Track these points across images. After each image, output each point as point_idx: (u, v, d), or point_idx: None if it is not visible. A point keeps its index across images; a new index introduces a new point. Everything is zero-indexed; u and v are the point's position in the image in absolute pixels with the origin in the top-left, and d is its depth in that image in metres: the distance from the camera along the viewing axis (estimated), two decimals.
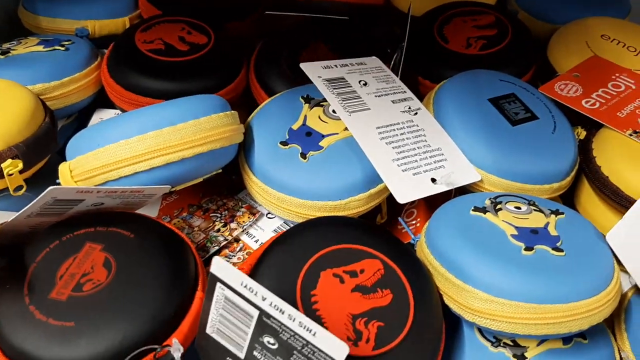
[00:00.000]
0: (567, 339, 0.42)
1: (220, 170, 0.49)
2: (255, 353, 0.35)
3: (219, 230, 0.49)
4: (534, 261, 0.40)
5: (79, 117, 0.63)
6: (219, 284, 0.33)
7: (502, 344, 0.42)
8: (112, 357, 0.35)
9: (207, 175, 0.47)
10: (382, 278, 0.40)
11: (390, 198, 0.47)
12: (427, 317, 0.39)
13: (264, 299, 0.32)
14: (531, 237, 0.42)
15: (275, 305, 0.32)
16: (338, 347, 0.30)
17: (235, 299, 0.33)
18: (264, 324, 0.33)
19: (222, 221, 0.50)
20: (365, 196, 0.46)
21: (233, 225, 0.50)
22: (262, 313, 0.33)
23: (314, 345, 0.31)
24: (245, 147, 0.49)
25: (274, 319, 0.32)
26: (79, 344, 0.35)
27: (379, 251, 0.41)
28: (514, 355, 0.41)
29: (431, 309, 0.40)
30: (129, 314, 0.36)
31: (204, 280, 0.41)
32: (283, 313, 0.32)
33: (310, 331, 0.31)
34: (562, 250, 0.41)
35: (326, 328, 0.37)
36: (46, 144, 0.48)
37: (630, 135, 0.51)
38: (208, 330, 0.37)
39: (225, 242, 0.48)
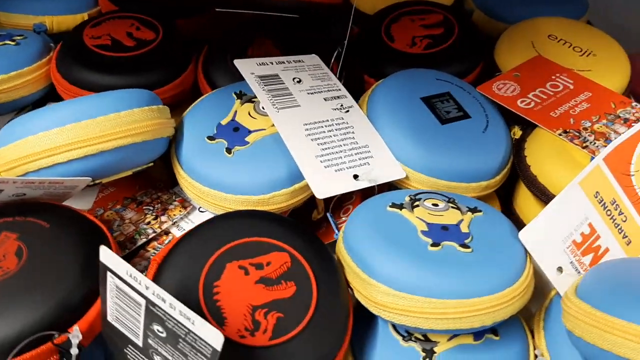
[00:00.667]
0: (477, 334, 0.43)
1: (152, 164, 0.50)
2: (149, 341, 0.36)
3: (149, 222, 0.50)
4: (439, 257, 0.40)
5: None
6: (109, 273, 0.34)
7: (413, 339, 0.43)
8: (12, 343, 0.36)
9: (136, 168, 0.48)
10: (287, 271, 0.40)
11: None
12: (330, 310, 0.40)
13: (147, 288, 0.33)
14: (441, 233, 0.42)
15: (157, 294, 0.33)
16: (214, 335, 0.31)
17: (124, 288, 0.34)
18: (152, 313, 0.34)
19: (154, 214, 0.51)
20: (289, 191, 0.47)
21: (164, 218, 0.51)
22: (148, 302, 0.33)
23: (194, 333, 0.32)
24: (175, 142, 0.50)
25: (159, 307, 0.33)
26: None
27: (289, 245, 0.41)
28: (424, 350, 0.42)
29: (335, 302, 0.40)
30: (34, 301, 0.37)
31: None
32: (165, 302, 0.32)
33: (189, 319, 0.32)
34: (469, 247, 0.41)
35: (224, 318, 0.38)
36: None
37: (560, 134, 0.51)
38: (109, 319, 0.38)
39: (154, 234, 0.49)
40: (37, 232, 0.41)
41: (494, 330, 0.43)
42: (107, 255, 0.33)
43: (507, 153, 0.52)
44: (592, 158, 0.49)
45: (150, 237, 0.49)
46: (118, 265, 0.33)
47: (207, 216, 0.51)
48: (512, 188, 0.56)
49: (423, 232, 0.42)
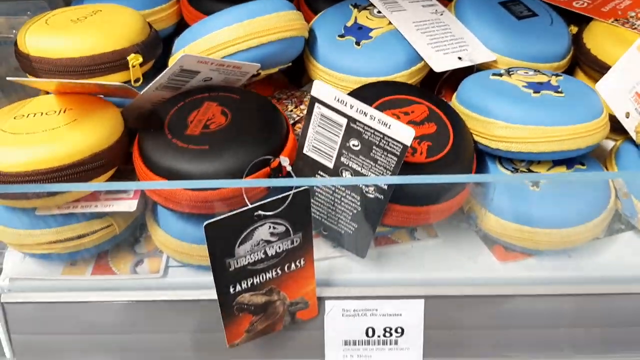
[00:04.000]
0: (569, 165, 0.56)
1: (290, 64, 0.62)
2: (342, 159, 0.48)
3: (291, 110, 0.63)
4: (541, 99, 0.54)
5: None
6: (316, 104, 0.47)
7: (519, 172, 0.55)
8: (240, 169, 0.48)
9: (282, 65, 0.61)
10: (427, 116, 0.53)
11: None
12: (463, 142, 0.52)
13: (351, 107, 0.45)
14: (537, 86, 0.55)
15: (360, 110, 0.45)
16: (407, 133, 0.44)
17: (328, 113, 0.47)
18: (351, 129, 0.46)
19: (294, 104, 0.64)
20: (407, 73, 0.60)
21: (302, 107, 0.63)
22: (350, 119, 0.46)
23: (388, 136, 0.45)
24: (309, 43, 0.63)
25: (359, 122, 0.46)
26: (214, 161, 0.49)
27: (424, 100, 0.54)
28: (532, 182, 0.55)
29: (465, 137, 0.53)
30: (249, 141, 0.50)
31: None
32: (366, 115, 0.45)
33: (386, 125, 0.44)
34: (562, 93, 0.54)
35: None
36: (155, 46, 0.61)
37: (612, 22, 0.64)
38: (305, 150, 0.50)
39: (298, 118, 0.62)
40: (232, 101, 0.54)
41: (581, 162, 0.56)
42: (318, 86, 0.46)
43: (570, 42, 0.65)
44: None
45: (295, 120, 0.62)
46: (328, 93, 0.46)
47: None
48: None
49: (523, 86, 0.55)
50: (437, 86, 0.64)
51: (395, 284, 0.55)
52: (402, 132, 0.44)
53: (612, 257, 0.57)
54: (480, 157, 0.57)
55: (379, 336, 0.56)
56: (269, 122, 0.52)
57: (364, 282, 0.55)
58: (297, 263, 0.50)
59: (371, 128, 0.45)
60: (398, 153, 0.45)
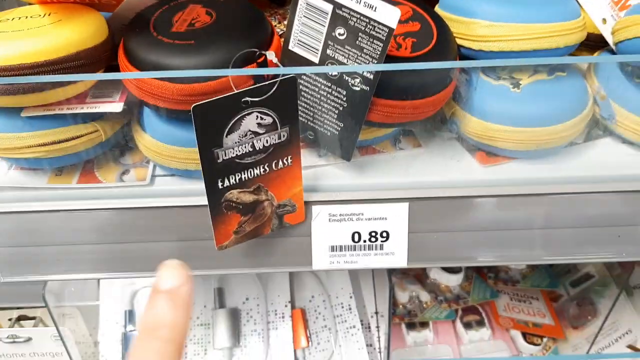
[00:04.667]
0: (550, 71, 0.57)
1: None
2: (328, 51, 0.49)
3: (275, 26, 0.63)
4: None
5: None
6: None
7: (502, 78, 0.56)
8: (226, 62, 0.48)
9: None
10: (411, 16, 0.54)
11: None
12: (446, 40, 0.53)
13: None
14: None
15: None
16: (392, 13, 0.44)
17: (314, 1, 0.47)
18: (337, 16, 0.47)
19: (277, 20, 0.64)
20: None
21: (285, 22, 0.63)
22: (335, 5, 0.46)
23: (374, 20, 0.45)
24: None
25: (345, 7, 0.46)
26: (201, 55, 0.49)
27: (408, 1, 0.55)
28: (511, 84, 0.56)
29: (448, 36, 0.54)
30: (234, 37, 0.50)
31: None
32: None
33: (372, 7, 0.45)
34: None
35: None
36: None
37: None
38: (290, 46, 0.50)
39: (281, 32, 0.62)
40: (216, 3, 0.54)
41: (562, 68, 0.57)
42: None
43: None
44: None
45: (280, 35, 0.62)
46: None
47: None
48: None
49: None
50: None
51: (379, 189, 0.55)
52: (388, 13, 0.44)
53: (589, 160, 0.58)
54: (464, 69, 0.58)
55: (364, 241, 0.56)
56: (254, 22, 0.52)
57: (350, 187, 0.56)
58: (285, 160, 0.50)
59: (357, 12, 0.46)
60: (384, 38, 0.46)
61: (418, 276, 0.90)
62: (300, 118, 0.53)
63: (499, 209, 0.56)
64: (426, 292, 0.87)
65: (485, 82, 0.56)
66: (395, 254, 0.57)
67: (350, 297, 0.85)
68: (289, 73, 0.45)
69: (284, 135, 0.48)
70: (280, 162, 0.50)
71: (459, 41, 0.56)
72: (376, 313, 0.87)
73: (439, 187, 0.56)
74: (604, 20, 0.59)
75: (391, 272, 0.83)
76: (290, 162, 0.50)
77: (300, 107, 0.52)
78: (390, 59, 0.50)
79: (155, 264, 0.59)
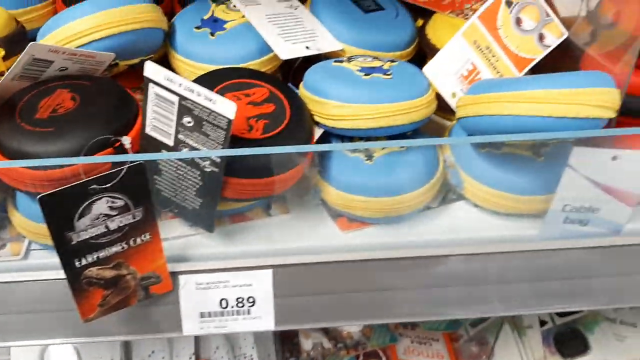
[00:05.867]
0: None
1: (153, 55, 0.66)
2: (180, 136, 0.52)
3: None
4: (370, 81, 0.59)
5: None
6: (150, 84, 0.50)
7: (357, 151, 0.60)
8: (82, 148, 0.51)
9: (143, 56, 0.64)
10: (267, 98, 0.58)
11: None
12: (299, 121, 0.57)
13: (180, 85, 0.49)
14: (369, 70, 0.61)
15: (187, 87, 0.49)
16: (229, 107, 0.48)
17: (161, 92, 0.50)
18: (183, 107, 0.50)
19: None
20: (259, 61, 0.64)
21: None
22: (180, 97, 0.50)
23: (214, 111, 0.49)
24: (169, 35, 0.67)
25: (188, 99, 0.49)
26: (58, 142, 0.52)
27: (267, 84, 0.59)
28: (365, 156, 0.60)
29: (302, 117, 0.58)
30: (93, 122, 0.53)
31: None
32: (193, 92, 0.49)
33: (211, 100, 0.49)
34: (390, 75, 0.60)
35: None
36: (20, 41, 0.63)
37: (449, 14, 0.71)
38: (147, 130, 0.54)
39: None
40: (83, 88, 0.57)
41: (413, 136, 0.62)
42: (149, 67, 0.50)
43: (413, 33, 0.71)
44: None
45: None
46: (158, 73, 0.49)
47: None
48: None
49: (357, 70, 0.61)
50: (291, 74, 0.69)
51: (244, 257, 0.59)
52: (226, 107, 0.48)
53: (442, 224, 0.63)
54: (327, 138, 0.62)
55: (232, 307, 0.59)
56: (117, 106, 0.55)
57: (216, 256, 0.59)
58: (142, 238, 0.53)
59: (199, 104, 0.49)
60: (225, 127, 0.49)
61: None
62: (164, 194, 0.56)
63: (356, 273, 0.60)
64: (328, 340, 0.90)
65: (342, 154, 0.60)
66: (263, 318, 0.61)
67: (252, 348, 0.88)
68: (136, 160, 0.49)
69: (138, 215, 0.51)
70: (138, 239, 0.53)
71: (317, 118, 0.60)
72: None
73: (301, 254, 0.59)
74: (454, 94, 0.64)
75: None
76: (149, 238, 0.53)
77: (161, 185, 0.55)
78: (241, 141, 0.54)
79: (36, 333, 0.62)
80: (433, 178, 0.60)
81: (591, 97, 0.52)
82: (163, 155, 0.52)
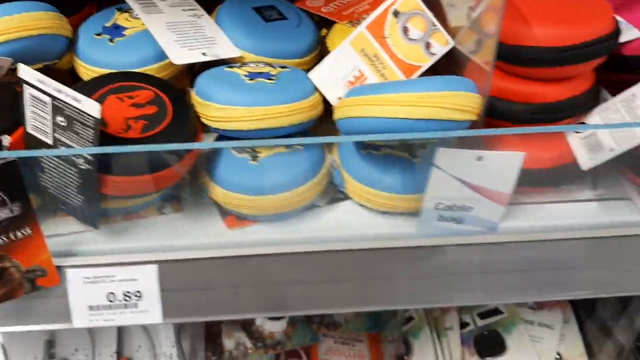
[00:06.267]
0: (288, 145, 0.64)
1: (57, 61, 0.69)
2: (56, 135, 0.55)
3: None
4: (253, 85, 0.62)
5: None
6: (25, 85, 0.53)
7: (245, 151, 0.63)
8: None
9: (46, 62, 0.67)
10: (151, 100, 0.61)
11: None
12: (180, 123, 0.60)
13: (50, 86, 0.52)
14: (255, 74, 0.64)
15: (56, 88, 0.52)
16: (93, 106, 0.51)
17: (35, 93, 0.53)
18: (55, 107, 0.53)
19: None
20: (156, 67, 0.67)
21: None
22: (52, 97, 0.53)
23: (81, 111, 0.52)
24: (73, 42, 0.70)
25: (58, 99, 0.52)
26: None
27: (153, 87, 0.62)
28: (251, 157, 0.63)
29: (185, 119, 0.61)
30: None
31: None
32: (61, 92, 0.52)
33: (77, 100, 0.51)
34: (273, 80, 0.63)
35: (106, 124, 0.57)
36: None
37: (347, 23, 0.74)
38: (28, 130, 0.56)
39: None
40: None
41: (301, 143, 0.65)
42: (22, 70, 0.52)
43: (314, 42, 0.74)
44: None
45: None
46: (31, 75, 0.52)
47: None
48: None
49: (244, 75, 0.64)
50: (191, 79, 0.72)
51: (131, 252, 0.61)
52: (90, 106, 0.51)
53: (328, 222, 0.65)
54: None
55: (120, 300, 0.62)
56: (6, 106, 0.58)
57: (103, 251, 0.62)
58: (23, 232, 0.55)
59: (68, 104, 0.52)
60: (92, 125, 0.52)
61: (245, 324, 0.95)
62: (51, 191, 0.59)
63: (240, 268, 0.62)
64: (249, 339, 0.93)
65: (230, 154, 0.63)
66: (151, 312, 0.63)
67: (173, 347, 0.90)
68: (8, 157, 0.51)
69: (16, 211, 0.54)
70: (19, 233, 0.55)
71: (203, 121, 0.63)
72: None
73: (185, 250, 0.62)
74: (340, 99, 0.66)
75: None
76: (30, 232, 0.56)
77: (47, 183, 0.58)
78: (117, 140, 0.56)
79: None
80: (315, 178, 0.63)
81: (447, 100, 0.55)
82: (33, 152, 0.55)
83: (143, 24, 0.69)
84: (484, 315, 0.99)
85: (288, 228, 0.64)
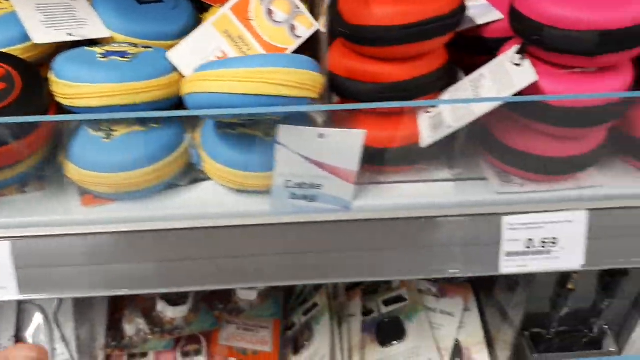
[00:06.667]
0: (144, 124, 0.64)
1: None
2: None
3: None
4: (105, 63, 0.63)
5: None
6: None
7: (99, 129, 0.64)
8: None
9: None
10: (1, 77, 0.61)
11: None
12: (26, 100, 0.60)
13: None
14: (111, 53, 0.64)
15: None
16: None
17: None
18: None
19: None
20: (21, 47, 0.68)
21: None
22: None
23: None
24: None
25: None
26: None
27: (7, 65, 0.62)
28: (106, 135, 0.63)
29: (32, 96, 0.61)
30: None
31: None
32: None
33: None
34: (128, 59, 0.64)
35: None
36: None
37: (219, 7, 0.75)
38: None
39: None
40: None
41: (155, 120, 0.65)
42: None
43: (189, 24, 0.75)
44: None
45: None
46: None
47: None
48: None
49: (100, 54, 0.64)
50: None
51: None
52: None
53: (189, 200, 0.66)
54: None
55: None
56: None
57: None
58: None
59: None
60: None
61: (145, 310, 0.96)
62: None
63: (92, 246, 0.63)
64: (148, 325, 0.93)
65: (84, 132, 0.64)
66: (8, 288, 0.64)
67: (72, 331, 0.90)
68: None
69: None
70: None
71: (57, 98, 0.63)
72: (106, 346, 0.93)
73: (40, 227, 0.63)
74: None
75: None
76: None
77: None
78: None
79: None
80: (169, 156, 0.64)
81: (275, 76, 0.56)
82: None
83: (11, 6, 0.70)
84: (388, 302, 0.99)
85: (144, 206, 0.65)
